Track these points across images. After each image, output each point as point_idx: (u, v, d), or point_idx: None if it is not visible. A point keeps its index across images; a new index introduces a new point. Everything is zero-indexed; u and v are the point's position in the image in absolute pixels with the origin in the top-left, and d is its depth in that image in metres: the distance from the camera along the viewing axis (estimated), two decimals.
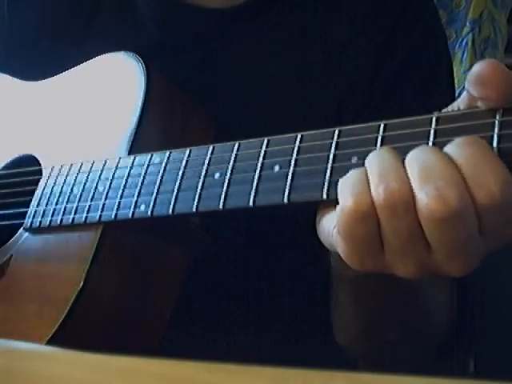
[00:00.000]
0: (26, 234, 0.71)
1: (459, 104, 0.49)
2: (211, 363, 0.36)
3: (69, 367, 0.39)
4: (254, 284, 0.77)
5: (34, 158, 0.76)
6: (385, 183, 0.45)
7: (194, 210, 0.57)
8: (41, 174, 0.73)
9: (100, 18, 0.82)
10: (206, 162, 0.58)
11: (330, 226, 0.50)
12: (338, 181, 0.48)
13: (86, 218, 0.65)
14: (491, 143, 0.45)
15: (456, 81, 0.83)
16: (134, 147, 0.66)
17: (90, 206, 0.65)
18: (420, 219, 0.45)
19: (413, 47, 0.78)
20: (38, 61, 0.84)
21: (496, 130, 0.45)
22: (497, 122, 0.45)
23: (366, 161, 0.48)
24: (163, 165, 0.61)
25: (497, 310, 0.99)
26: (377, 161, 0.47)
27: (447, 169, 0.44)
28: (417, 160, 0.45)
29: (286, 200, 0.52)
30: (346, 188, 0.47)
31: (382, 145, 0.48)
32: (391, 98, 0.73)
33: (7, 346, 0.47)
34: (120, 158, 0.65)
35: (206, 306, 0.75)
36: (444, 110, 0.49)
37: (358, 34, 0.77)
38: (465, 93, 0.48)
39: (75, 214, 0.66)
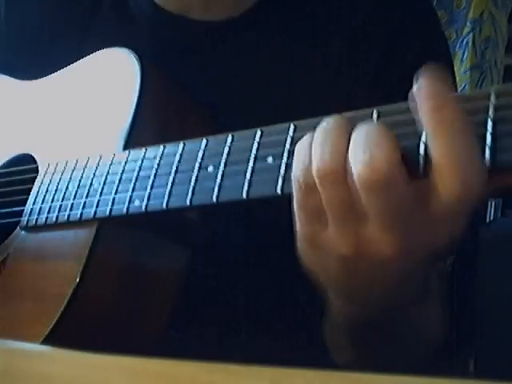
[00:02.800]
0: (23, 232, 0.71)
1: None
2: (211, 363, 0.36)
3: (69, 367, 0.39)
4: (255, 283, 0.77)
5: (31, 157, 0.76)
6: (320, 154, 0.47)
7: (188, 203, 0.57)
8: (37, 172, 0.73)
9: (99, 21, 0.82)
10: (200, 155, 0.58)
11: None
12: None
13: (81, 214, 0.65)
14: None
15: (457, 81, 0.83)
16: (130, 143, 0.65)
17: (85, 202, 0.65)
18: (354, 187, 0.46)
19: (413, 56, 0.77)
20: (37, 61, 0.84)
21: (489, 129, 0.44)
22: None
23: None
24: (157, 159, 0.61)
25: (497, 310, 0.99)
26: (321, 132, 0.48)
27: (382, 138, 0.45)
28: (359, 132, 0.47)
29: (279, 191, 0.51)
30: (297, 158, 0.49)
31: None
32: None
33: (7, 345, 0.47)
34: (114, 154, 0.65)
35: (205, 305, 0.75)
36: None
37: (357, 45, 0.77)
38: None
39: (70, 210, 0.66)
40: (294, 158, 0.49)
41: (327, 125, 0.49)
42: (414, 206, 0.46)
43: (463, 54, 1.57)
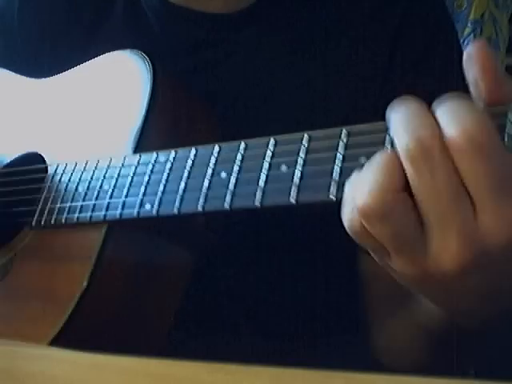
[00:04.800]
0: (31, 232, 0.71)
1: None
2: (211, 363, 0.36)
3: (70, 367, 0.39)
4: (256, 285, 0.77)
5: (40, 155, 0.76)
6: (361, 193, 0.44)
7: (200, 209, 0.57)
8: (46, 172, 0.73)
9: (106, 24, 0.82)
10: (213, 161, 0.58)
11: None
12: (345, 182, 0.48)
13: (91, 217, 0.65)
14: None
15: None
16: (140, 146, 0.65)
17: (94, 204, 0.65)
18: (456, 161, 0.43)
19: (421, 52, 0.77)
20: (42, 62, 0.85)
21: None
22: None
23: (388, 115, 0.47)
24: (169, 163, 0.61)
25: None
26: (399, 113, 0.46)
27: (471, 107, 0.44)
28: (442, 104, 0.45)
29: (293, 200, 0.51)
30: (344, 199, 0.47)
31: (391, 145, 0.47)
32: None
33: (10, 346, 0.47)
34: (125, 157, 0.65)
35: (206, 306, 0.75)
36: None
37: (361, 41, 0.77)
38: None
39: (80, 213, 0.66)
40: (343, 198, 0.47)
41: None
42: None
43: None
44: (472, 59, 0.45)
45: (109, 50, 0.75)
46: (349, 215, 0.46)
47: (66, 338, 0.61)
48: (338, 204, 0.48)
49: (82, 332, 0.62)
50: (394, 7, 0.78)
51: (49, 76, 0.81)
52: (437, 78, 0.76)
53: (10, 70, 0.87)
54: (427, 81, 0.75)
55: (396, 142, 0.45)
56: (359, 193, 0.45)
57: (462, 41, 1.56)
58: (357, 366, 0.71)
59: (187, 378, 0.36)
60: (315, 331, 0.78)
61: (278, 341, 0.77)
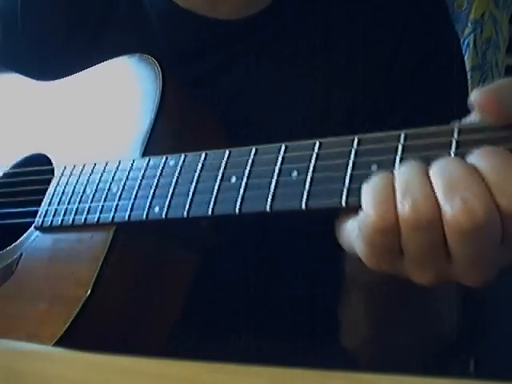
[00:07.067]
0: (37, 232, 0.71)
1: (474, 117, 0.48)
2: (211, 363, 0.36)
3: (69, 367, 0.39)
4: (257, 285, 0.77)
5: (46, 157, 0.76)
6: (410, 199, 0.45)
7: (210, 213, 0.57)
8: (53, 174, 0.73)
9: (110, 26, 0.82)
10: (223, 165, 0.58)
11: (351, 230, 0.50)
12: (357, 188, 0.48)
13: (99, 218, 0.65)
14: None
15: None
16: (148, 150, 0.66)
17: (102, 206, 0.65)
18: (445, 232, 0.44)
19: (422, 56, 0.77)
20: (46, 64, 0.85)
21: None
22: None
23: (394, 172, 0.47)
24: (178, 167, 0.61)
25: (497, 310, 0.99)
26: (403, 173, 0.47)
27: (473, 179, 0.44)
28: (442, 172, 0.45)
29: (303, 206, 0.51)
30: (370, 196, 0.47)
31: (402, 153, 0.48)
32: (400, 112, 0.72)
33: (10, 346, 0.47)
34: (134, 160, 0.65)
35: (207, 306, 0.75)
36: (462, 122, 0.48)
37: (366, 51, 0.77)
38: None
39: (88, 214, 0.66)
40: (364, 196, 0.47)
41: (406, 170, 0.47)
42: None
43: (464, 54, 1.57)
44: (478, 107, 0.45)
45: (114, 53, 0.75)
46: (381, 216, 0.46)
47: (72, 339, 0.61)
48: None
49: (87, 333, 0.62)
50: (397, 16, 0.78)
51: (53, 78, 0.82)
52: (437, 86, 0.76)
53: (14, 71, 0.87)
54: (428, 88, 0.76)
55: (397, 204, 0.46)
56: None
57: (462, 41, 1.56)
58: (357, 366, 0.71)
59: (187, 378, 0.36)
60: (315, 331, 0.79)
61: (278, 341, 0.77)
